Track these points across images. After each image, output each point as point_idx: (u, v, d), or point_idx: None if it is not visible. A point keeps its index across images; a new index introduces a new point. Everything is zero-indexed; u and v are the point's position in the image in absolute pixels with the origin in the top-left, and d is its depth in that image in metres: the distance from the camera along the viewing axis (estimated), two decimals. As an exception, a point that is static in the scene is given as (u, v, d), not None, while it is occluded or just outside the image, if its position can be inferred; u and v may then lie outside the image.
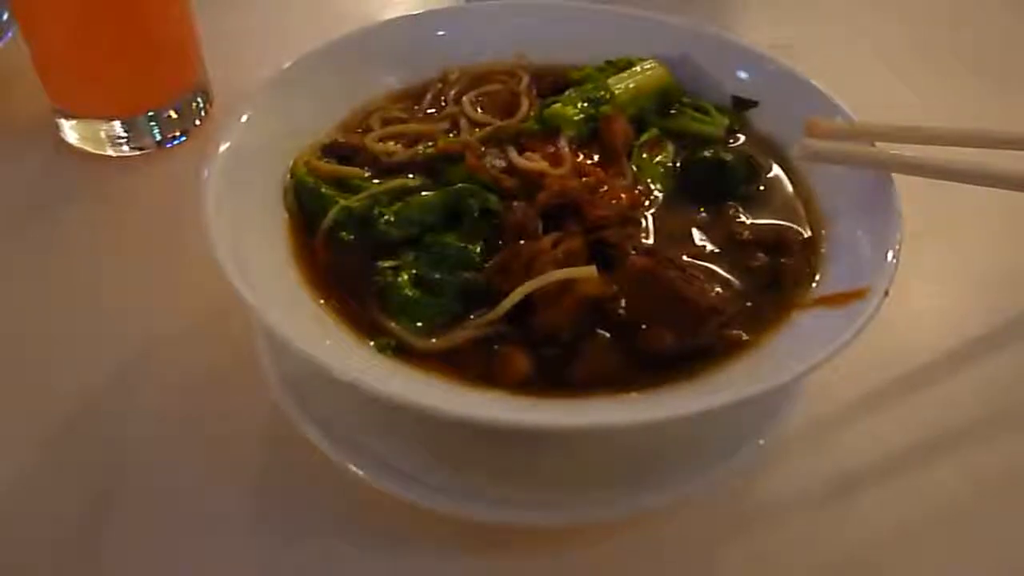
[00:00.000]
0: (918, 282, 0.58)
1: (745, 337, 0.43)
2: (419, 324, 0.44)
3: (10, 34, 0.73)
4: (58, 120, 0.68)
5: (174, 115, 0.68)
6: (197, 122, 0.70)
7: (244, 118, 0.49)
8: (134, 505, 0.47)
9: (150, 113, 0.67)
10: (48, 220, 0.63)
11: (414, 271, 0.45)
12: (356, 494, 0.46)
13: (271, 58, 0.55)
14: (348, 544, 0.45)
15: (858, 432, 0.51)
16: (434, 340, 0.43)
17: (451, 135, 0.54)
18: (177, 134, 0.69)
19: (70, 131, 0.68)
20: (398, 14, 0.60)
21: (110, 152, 0.68)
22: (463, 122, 0.55)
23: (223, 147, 0.47)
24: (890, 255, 0.43)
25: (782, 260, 0.47)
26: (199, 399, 0.52)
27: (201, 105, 0.70)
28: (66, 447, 0.50)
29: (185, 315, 0.57)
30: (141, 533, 0.46)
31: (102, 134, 0.67)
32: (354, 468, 0.44)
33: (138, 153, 0.68)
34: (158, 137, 0.68)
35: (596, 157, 0.52)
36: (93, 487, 0.48)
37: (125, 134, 0.67)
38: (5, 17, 0.74)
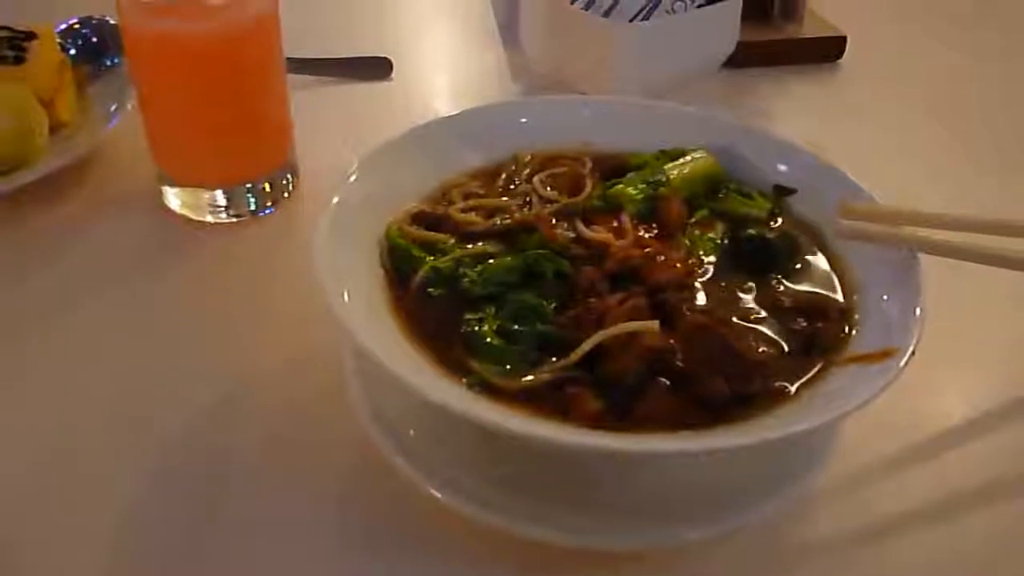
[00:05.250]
0: (943, 356, 0.63)
1: (788, 389, 0.49)
2: (507, 367, 0.50)
3: (117, 119, 0.81)
4: (163, 188, 0.76)
5: (268, 188, 0.76)
6: (285, 195, 0.78)
7: (352, 178, 0.57)
8: (231, 532, 0.53)
9: (248, 185, 0.75)
10: (153, 276, 0.71)
11: (497, 323, 0.52)
12: (434, 518, 0.51)
13: (349, 142, 0.63)
14: (424, 564, 0.51)
15: (886, 486, 0.56)
16: (517, 380, 0.49)
17: (524, 209, 0.60)
18: (269, 205, 0.76)
19: (173, 198, 0.76)
20: (462, 106, 0.67)
21: (209, 219, 0.75)
22: (534, 198, 0.62)
23: (335, 200, 0.55)
24: (915, 320, 0.49)
25: (819, 324, 0.53)
26: (290, 437, 0.58)
27: (290, 180, 0.78)
28: (168, 479, 0.56)
29: (275, 361, 0.63)
30: (238, 559, 0.51)
31: (204, 202, 0.75)
32: (433, 491, 0.50)
33: (234, 220, 0.75)
34: (252, 207, 0.76)
35: (654, 232, 0.59)
36: (194, 514, 0.53)
37: (224, 203, 0.75)
38: (114, 108, 0.83)
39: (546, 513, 0.49)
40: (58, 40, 0.87)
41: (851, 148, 0.82)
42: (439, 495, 0.50)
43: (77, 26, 0.91)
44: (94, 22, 0.91)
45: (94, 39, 0.90)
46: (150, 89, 0.72)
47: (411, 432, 0.53)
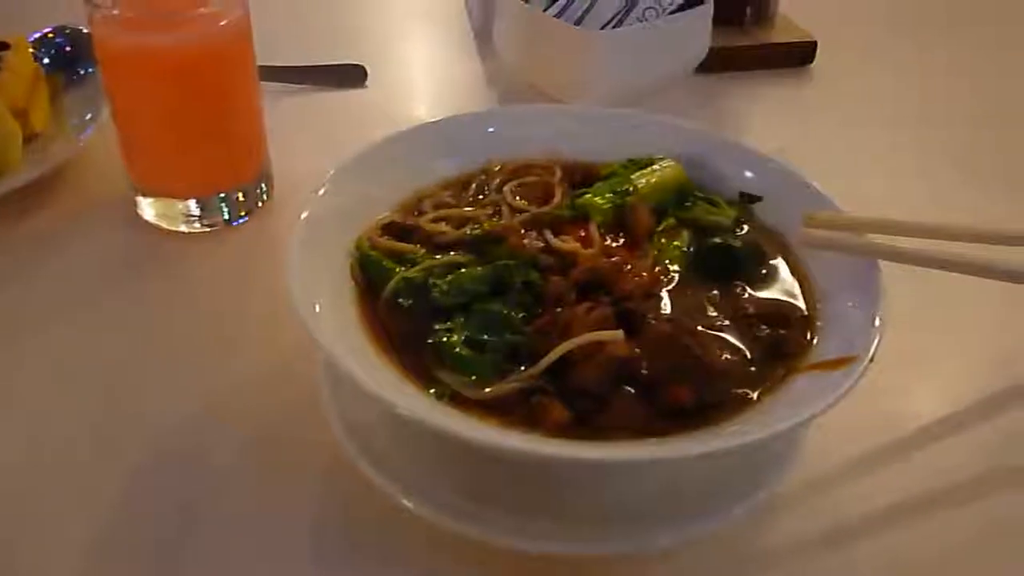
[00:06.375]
0: (912, 359, 0.64)
1: (751, 395, 0.50)
2: (473, 378, 0.50)
3: (91, 129, 0.82)
4: (137, 198, 0.76)
5: (241, 197, 0.76)
6: (259, 204, 0.78)
7: (322, 191, 0.57)
8: (208, 533, 0.53)
9: (222, 195, 0.75)
10: (127, 285, 0.71)
11: (465, 333, 0.52)
12: (403, 526, 0.52)
13: (322, 153, 0.64)
14: (393, 572, 0.52)
15: (853, 488, 0.57)
16: (484, 391, 0.50)
17: (494, 219, 0.61)
18: (243, 214, 0.77)
19: (148, 208, 0.76)
20: (437, 113, 0.68)
21: (183, 228, 0.76)
22: (504, 208, 0.62)
23: (304, 215, 0.55)
24: (875, 327, 0.50)
25: (782, 332, 0.54)
26: (263, 444, 0.58)
27: (264, 190, 0.79)
28: (145, 486, 0.56)
29: (249, 369, 0.64)
30: (215, 557, 0.52)
31: (177, 212, 0.75)
32: (402, 500, 0.50)
33: (208, 230, 0.76)
34: (226, 216, 0.76)
35: (621, 241, 0.60)
36: (172, 518, 0.54)
37: (198, 213, 0.75)
38: (88, 117, 0.83)
39: (513, 520, 0.50)
40: (32, 49, 0.87)
41: (821, 152, 0.84)
42: (408, 503, 0.50)
43: (51, 35, 0.91)
44: (68, 31, 0.91)
45: (68, 48, 0.90)
46: (123, 100, 0.73)
47: (381, 441, 0.53)
